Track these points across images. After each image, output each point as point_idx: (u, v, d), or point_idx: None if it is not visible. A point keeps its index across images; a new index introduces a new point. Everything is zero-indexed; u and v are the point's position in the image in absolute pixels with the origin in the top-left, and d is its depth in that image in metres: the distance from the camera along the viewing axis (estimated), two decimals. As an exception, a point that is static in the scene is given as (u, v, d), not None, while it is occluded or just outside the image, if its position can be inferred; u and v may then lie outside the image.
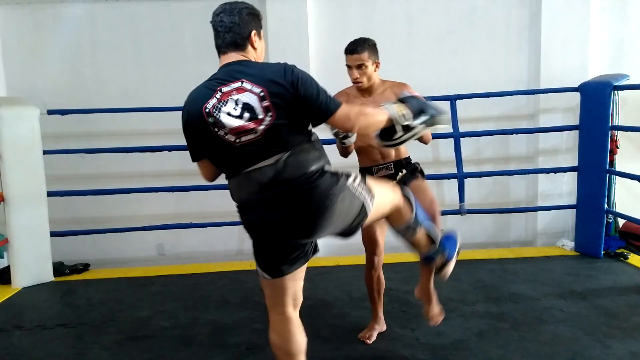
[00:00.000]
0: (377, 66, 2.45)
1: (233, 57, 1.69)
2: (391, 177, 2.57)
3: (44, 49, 4.26)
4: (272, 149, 1.61)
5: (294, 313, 1.85)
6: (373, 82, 2.46)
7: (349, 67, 2.42)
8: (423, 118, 1.79)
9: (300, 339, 1.84)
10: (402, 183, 2.56)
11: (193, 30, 4.22)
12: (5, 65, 4.23)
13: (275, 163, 1.61)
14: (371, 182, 1.80)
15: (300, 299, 1.87)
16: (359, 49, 2.38)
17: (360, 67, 2.39)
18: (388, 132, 1.80)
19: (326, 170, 1.67)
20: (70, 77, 4.29)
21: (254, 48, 1.71)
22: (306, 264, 1.82)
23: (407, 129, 1.78)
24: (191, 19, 4.24)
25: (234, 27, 1.66)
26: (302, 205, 1.62)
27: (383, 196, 1.81)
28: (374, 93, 2.48)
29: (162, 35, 4.28)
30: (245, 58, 1.69)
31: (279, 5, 4.06)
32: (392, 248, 2.81)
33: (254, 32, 1.70)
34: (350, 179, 1.71)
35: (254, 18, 1.72)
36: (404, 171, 2.55)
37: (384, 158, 2.57)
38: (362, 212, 1.72)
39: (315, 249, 1.82)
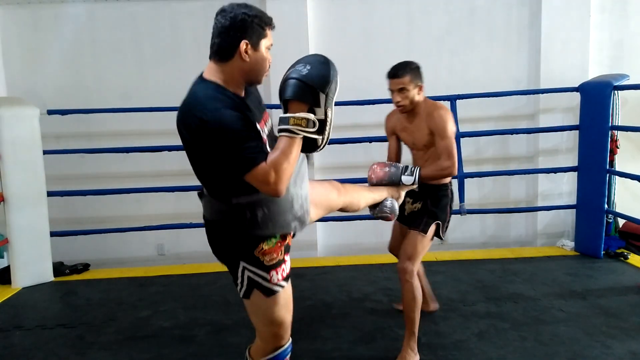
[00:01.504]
0: (420, 89, 2.43)
1: (208, 68, 1.55)
2: (415, 197, 2.56)
3: (44, 49, 4.26)
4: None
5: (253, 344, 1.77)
6: (416, 105, 2.45)
7: (392, 91, 2.42)
8: (324, 102, 1.49)
9: None
10: (408, 220, 2.58)
11: (193, 30, 4.22)
12: (5, 65, 4.24)
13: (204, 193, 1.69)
14: (286, 299, 1.65)
15: (257, 338, 1.73)
16: (400, 72, 2.37)
17: (401, 90, 2.39)
18: (310, 146, 1.52)
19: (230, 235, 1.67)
20: (70, 77, 4.29)
21: (243, 60, 1.50)
22: (250, 302, 1.66)
23: (321, 126, 1.49)
24: (191, 19, 4.24)
25: (223, 32, 1.49)
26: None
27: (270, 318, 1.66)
28: (416, 118, 2.48)
29: (162, 35, 4.28)
30: (212, 78, 1.52)
31: (279, 4, 4.06)
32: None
33: (245, 41, 1.49)
34: (249, 268, 1.63)
35: (251, 25, 1.50)
36: (418, 206, 2.55)
37: None
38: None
39: (248, 291, 1.64)
